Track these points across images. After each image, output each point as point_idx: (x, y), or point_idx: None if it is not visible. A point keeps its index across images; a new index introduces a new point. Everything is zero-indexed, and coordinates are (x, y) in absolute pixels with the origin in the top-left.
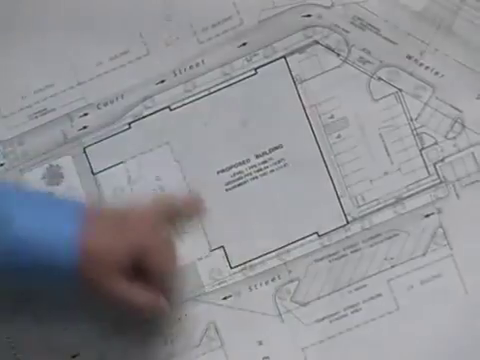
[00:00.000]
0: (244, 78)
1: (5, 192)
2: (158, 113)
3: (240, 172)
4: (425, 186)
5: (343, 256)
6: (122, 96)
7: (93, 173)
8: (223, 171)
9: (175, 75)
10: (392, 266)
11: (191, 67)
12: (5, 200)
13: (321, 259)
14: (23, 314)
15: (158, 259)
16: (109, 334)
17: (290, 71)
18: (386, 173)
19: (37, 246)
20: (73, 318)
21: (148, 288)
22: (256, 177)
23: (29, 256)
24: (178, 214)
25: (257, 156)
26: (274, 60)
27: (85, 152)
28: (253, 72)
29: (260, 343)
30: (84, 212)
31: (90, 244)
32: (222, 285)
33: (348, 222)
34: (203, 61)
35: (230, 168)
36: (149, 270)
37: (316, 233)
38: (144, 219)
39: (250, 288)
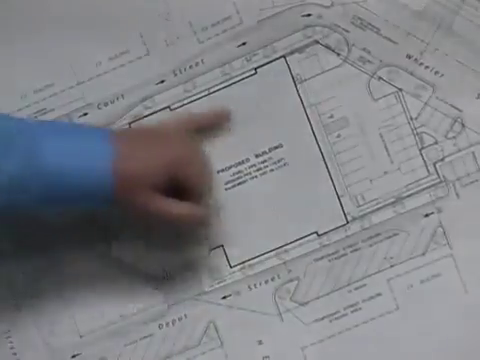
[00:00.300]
0: (244, 78)
1: (28, 126)
2: (158, 113)
3: (240, 171)
4: (425, 185)
5: (343, 255)
6: (122, 96)
7: None
8: (223, 170)
9: (175, 75)
10: (392, 265)
11: (191, 67)
12: (30, 134)
13: (321, 258)
14: (24, 310)
15: (194, 171)
16: None
17: (290, 71)
18: (386, 172)
19: (71, 175)
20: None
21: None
22: (256, 176)
23: (64, 185)
24: (206, 127)
25: (257, 155)
26: (274, 60)
27: None
28: (253, 72)
29: (260, 342)
30: (114, 135)
31: (125, 166)
32: (222, 284)
33: (348, 222)
34: (203, 61)
35: (230, 167)
36: (185, 184)
37: (316, 232)
38: (176, 133)
39: (250, 287)
